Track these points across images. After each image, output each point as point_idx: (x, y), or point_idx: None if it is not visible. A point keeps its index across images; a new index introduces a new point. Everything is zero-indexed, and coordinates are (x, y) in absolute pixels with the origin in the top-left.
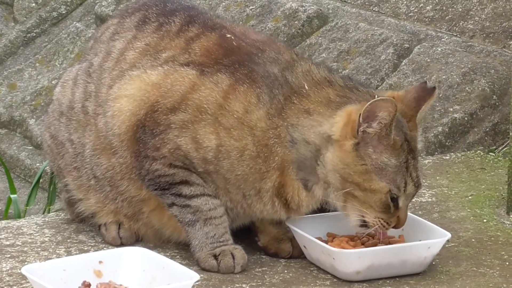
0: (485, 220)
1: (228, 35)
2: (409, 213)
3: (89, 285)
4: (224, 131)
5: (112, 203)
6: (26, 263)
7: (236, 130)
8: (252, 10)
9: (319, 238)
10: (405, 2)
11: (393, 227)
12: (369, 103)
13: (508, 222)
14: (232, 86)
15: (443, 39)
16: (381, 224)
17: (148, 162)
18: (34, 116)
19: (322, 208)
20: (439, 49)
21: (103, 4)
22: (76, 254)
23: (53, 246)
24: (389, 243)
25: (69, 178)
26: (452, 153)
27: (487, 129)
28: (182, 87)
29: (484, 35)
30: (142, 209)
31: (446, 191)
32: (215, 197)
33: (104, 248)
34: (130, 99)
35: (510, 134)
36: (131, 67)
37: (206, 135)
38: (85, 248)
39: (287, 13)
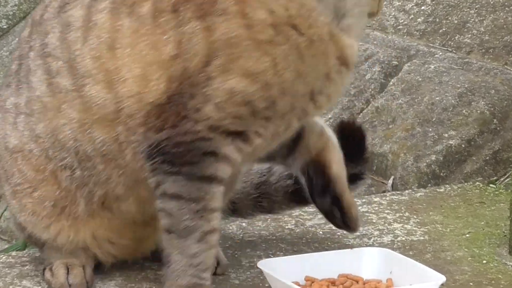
0: (484, 261)
1: None
2: (398, 254)
3: None
4: (267, 46)
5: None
6: None
7: (278, 35)
8: None
9: (296, 283)
10: (393, 14)
11: None
12: None
13: (511, 263)
14: (240, 2)
15: (436, 55)
16: None
17: (190, 123)
18: None
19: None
20: (432, 67)
21: None
22: None
23: None
24: None
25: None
26: (447, 185)
27: (487, 158)
28: (199, 39)
29: (483, 50)
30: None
31: (440, 228)
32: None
33: None
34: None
35: None
36: (113, 33)
37: (254, 61)
38: None
39: None
